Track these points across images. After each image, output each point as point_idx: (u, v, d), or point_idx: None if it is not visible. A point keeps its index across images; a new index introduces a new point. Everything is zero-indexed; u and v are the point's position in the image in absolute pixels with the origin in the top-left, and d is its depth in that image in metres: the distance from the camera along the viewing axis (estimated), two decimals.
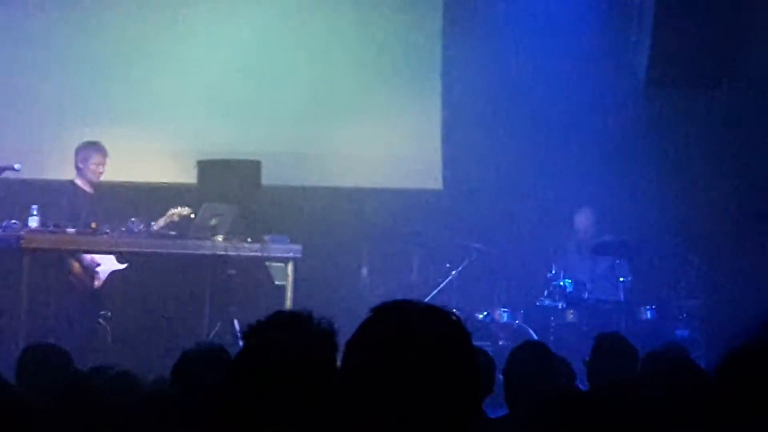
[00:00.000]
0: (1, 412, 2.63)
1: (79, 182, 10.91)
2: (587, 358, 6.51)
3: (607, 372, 6.15)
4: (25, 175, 10.68)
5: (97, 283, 10.80)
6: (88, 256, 10.74)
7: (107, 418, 3.72)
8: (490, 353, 6.38)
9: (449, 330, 2.35)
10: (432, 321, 2.35)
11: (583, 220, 11.98)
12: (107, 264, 10.87)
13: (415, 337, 2.31)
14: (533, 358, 5.78)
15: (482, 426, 5.29)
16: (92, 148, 10.91)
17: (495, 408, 6.18)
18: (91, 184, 10.91)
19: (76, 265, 10.66)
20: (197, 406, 3.35)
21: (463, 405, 2.30)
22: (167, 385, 4.39)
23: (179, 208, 10.73)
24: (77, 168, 10.90)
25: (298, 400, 2.32)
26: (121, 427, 3.74)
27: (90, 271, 10.77)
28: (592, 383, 6.31)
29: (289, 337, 2.46)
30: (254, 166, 11.51)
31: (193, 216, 10.68)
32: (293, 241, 10.96)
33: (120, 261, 10.91)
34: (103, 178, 11.00)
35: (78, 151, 10.92)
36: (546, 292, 11.62)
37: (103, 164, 10.90)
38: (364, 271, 12.06)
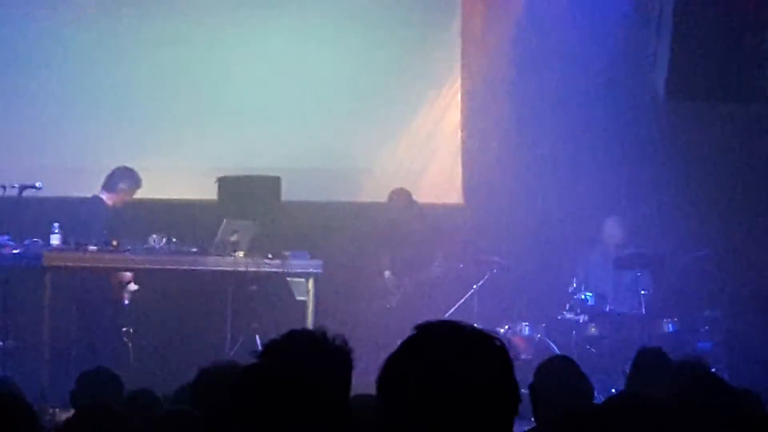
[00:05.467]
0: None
1: (105, 198, 10.95)
2: (627, 370, 6.50)
3: (645, 386, 6.13)
4: (46, 193, 10.70)
5: (125, 300, 10.88)
6: (127, 274, 10.85)
7: None
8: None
9: (492, 354, 2.34)
10: (475, 344, 2.34)
11: (611, 228, 11.94)
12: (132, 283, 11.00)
13: (457, 359, 2.31)
14: (561, 373, 5.76)
15: None
16: (138, 179, 10.99)
17: (519, 423, 6.16)
18: (114, 205, 10.97)
19: (116, 284, 10.79)
20: (214, 424, 3.36)
21: (500, 428, 2.31)
22: (186, 402, 4.39)
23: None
24: (113, 188, 10.91)
25: (312, 417, 2.32)
26: None
27: (124, 286, 10.88)
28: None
29: (303, 355, 2.47)
30: (274, 182, 11.53)
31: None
32: (313, 256, 10.98)
33: (134, 282, 11.01)
34: None
35: (122, 175, 10.95)
36: (568, 306, 11.59)
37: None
38: (387, 273, 12.04)
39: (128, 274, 10.94)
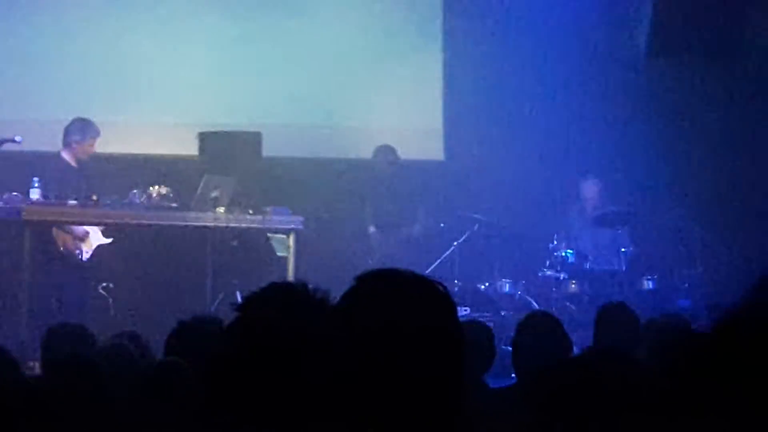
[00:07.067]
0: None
1: (66, 156, 10.81)
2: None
3: (611, 341, 6.17)
4: (27, 147, 10.62)
5: (83, 255, 10.69)
6: (80, 228, 10.68)
7: (104, 390, 3.73)
8: (492, 324, 6.40)
9: (433, 299, 2.34)
10: (415, 290, 2.34)
11: (589, 189, 11.96)
12: (94, 236, 10.80)
13: (397, 305, 2.30)
14: (541, 329, 5.79)
15: (485, 396, 5.31)
16: (92, 128, 10.78)
17: (500, 378, 6.21)
18: (77, 159, 10.82)
19: (67, 238, 10.60)
20: (193, 379, 3.36)
21: (448, 375, 2.30)
22: (165, 357, 4.39)
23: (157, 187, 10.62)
24: (69, 143, 10.78)
25: (292, 371, 2.32)
26: (121, 399, 3.75)
27: (79, 242, 10.70)
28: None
29: (283, 309, 2.46)
30: (255, 138, 11.50)
31: (169, 194, 10.57)
32: (294, 212, 10.97)
33: (105, 235, 10.85)
34: (105, 150, 10.97)
35: (74, 128, 10.76)
36: (548, 263, 11.63)
37: (95, 144, 10.84)
38: (371, 229, 12.04)
39: (82, 229, 10.72)
